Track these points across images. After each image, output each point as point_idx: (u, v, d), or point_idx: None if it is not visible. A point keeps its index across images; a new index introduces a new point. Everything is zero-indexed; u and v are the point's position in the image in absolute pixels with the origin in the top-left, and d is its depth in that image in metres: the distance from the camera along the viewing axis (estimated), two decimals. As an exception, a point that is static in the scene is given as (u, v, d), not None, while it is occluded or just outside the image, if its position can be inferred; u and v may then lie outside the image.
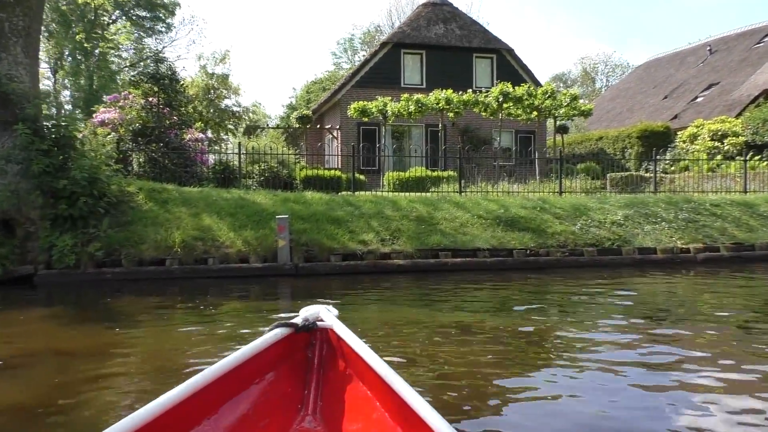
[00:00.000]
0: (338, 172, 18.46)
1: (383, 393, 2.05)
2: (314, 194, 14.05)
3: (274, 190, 14.87)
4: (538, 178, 20.40)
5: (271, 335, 2.24)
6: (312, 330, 2.40)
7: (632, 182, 19.31)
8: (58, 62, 43.19)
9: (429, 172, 21.17)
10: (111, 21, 44.06)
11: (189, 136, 17.69)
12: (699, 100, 33.32)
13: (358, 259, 11.75)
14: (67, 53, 42.45)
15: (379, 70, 27.76)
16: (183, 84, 18.50)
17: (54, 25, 37.68)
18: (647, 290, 10.10)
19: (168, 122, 17.41)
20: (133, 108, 17.13)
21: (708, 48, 37.44)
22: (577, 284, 10.34)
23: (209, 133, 27.82)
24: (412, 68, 28.31)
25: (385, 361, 2.09)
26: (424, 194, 15.30)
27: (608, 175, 20.40)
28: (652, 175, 21.14)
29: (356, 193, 15.18)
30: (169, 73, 17.55)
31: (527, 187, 17.68)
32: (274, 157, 17.32)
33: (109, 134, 15.10)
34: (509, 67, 28.89)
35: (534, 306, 8.45)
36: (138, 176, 15.60)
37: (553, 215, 13.76)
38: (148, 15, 44.23)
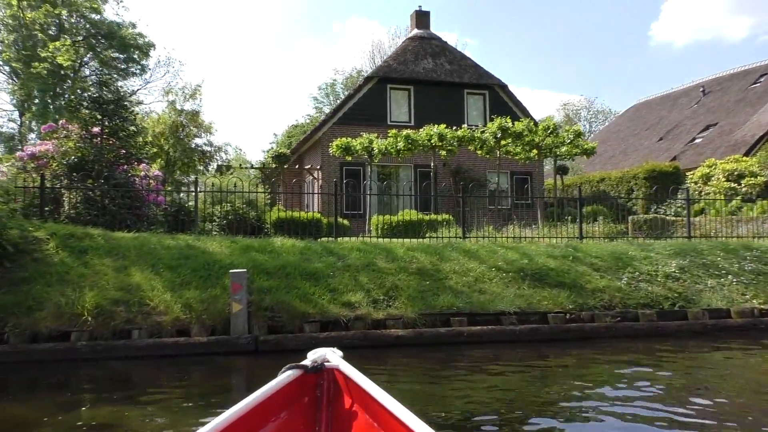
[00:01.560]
0: (318, 214, 15.12)
1: (391, 425, 2.04)
2: (285, 241, 10.67)
3: (237, 236, 11.43)
4: (540, 222, 17.24)
5: (283, 377, 2.28)
6: (320, 371, 2.41)
7: (658, 226, 16.18)
8: (25, 104, 39.81)
9: (422, 215, 17.91)
10: (82, 64, 40.98)
11: (142, 173, 14.28)
12: (698, 141, 30.83)
13: (343, 328, 8.37)
14: (34, 94, 39.07)
15: (364, 107, 24.77)
16: (132, 111, 15.17)
17: (16, 63, 34.41)
18: (756, 377, 6.80)
19: (112, 155, 14.03)
20: (70, 139, 13.74)
21: (701, 89, 35.27)
22: (653, 362, 7.01)
23: (177, 175, 24.44)
24: (399, 104, 25.38)
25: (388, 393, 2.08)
26: (422, 241, 11.95)
27: (630, 218, 17.31)
28: (676, 218, 18.13)
29: (339, 239, 11.81)
30: (115, 98, 14.24)
31: (539, 232, 14.49)
32: (241, 196, 13.95)
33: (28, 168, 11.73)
34: (503, 104, 26.12)
35: (606, 410, 5.07)
36: (70, 219, 12.13)
37: (589, 266, 10.50)
38: (121, 56, 41.21)
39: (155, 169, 15.30)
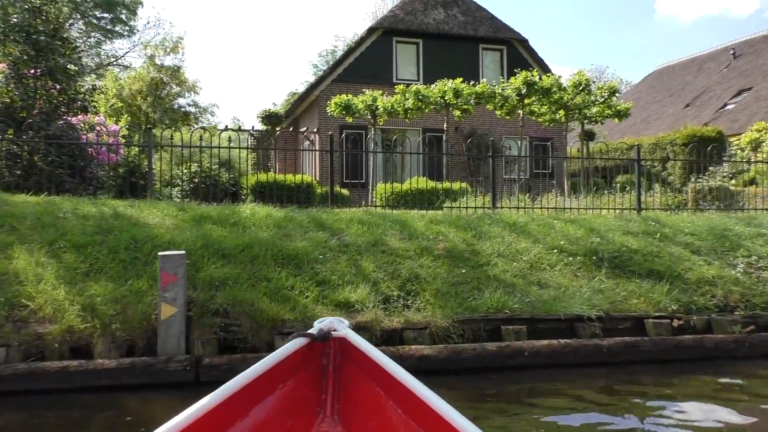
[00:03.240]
0: (308, 178, 11.82)
1: (398, 392, 2.02)
2: (258, 209, 7.38)
3: (205, 203, 8.12)
4: (566, 192, 13.94)
5: (290, 345, 2.23)
6: (327, 339, 2.35)
7: (725, 196, 12.89)
8: None
9: (434, 184, 14.59)
10: (69, 24, 37.28)
11: (96, 127, 10.94)
12: (730, 107, 27.42)
13: (336, 344, 5.07)
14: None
15: (367, 62, 21.30)
16: (75, 46, 11.74)
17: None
18: None
19: (49, 103, 10.71)
20: (-7, 79, 10.45)
21: (731, 52, 31.69)
22: None
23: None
24: (406, 60, 21.91)
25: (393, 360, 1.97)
26: (445, 212, 8.69)
27: (690, 185, 14.04)
28: (738, 188, 14.86)
29: (335, 210, 8.51)
30: (51, 27, 10.84)
31: (585, 202, 11.25)
32: (211, 155, 10.66)
33: None
34: (522, 61, 22.59)
35: None
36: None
37: (684, 246, 7.24)
38: (107, 16, 37.47)
39: (112, 124, 11.98)
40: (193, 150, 11.00)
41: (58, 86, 10.84)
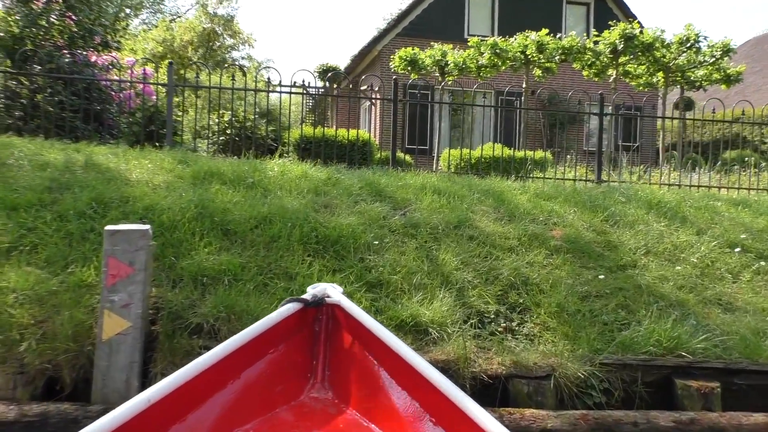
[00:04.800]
0: (366, 135, 9.50)
1: (390, 360, 2.02)
2: (291, 166, 5.11)
3: (236, 158, 5.88)
4: (661, 167, 11.05)
5: (283, 309, 2.18)
6: (320, 305, 2.30)
7: None
8: None
9: (512, 151, 11.99)
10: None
11: (97, 59, 8.90)
12: None
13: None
14: None
15: (435, 14, 18.65)
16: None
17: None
18: None
19: (66, 37, 8.74)
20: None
21: None
22: None
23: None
24: (479, 13, 19.12)
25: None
26: (538, 184, 6.21)
27: None
28: None
29: (399, 174, 6.08)
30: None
31: (713, 179, 8.52)
32: (248, 104, 8.48)
33: None
34: (612, 17, 19.32)
35: None
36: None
37: None
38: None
39: (143, 66, 9.87)
40: (228, 95, 8.86)
41: (74, 16, 8.83)
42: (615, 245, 4.30)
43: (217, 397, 1.94)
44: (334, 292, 2.37)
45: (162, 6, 36.97)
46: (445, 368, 3.08)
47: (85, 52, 8.92)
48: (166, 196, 4.02)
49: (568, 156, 10.21)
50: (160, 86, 8.38)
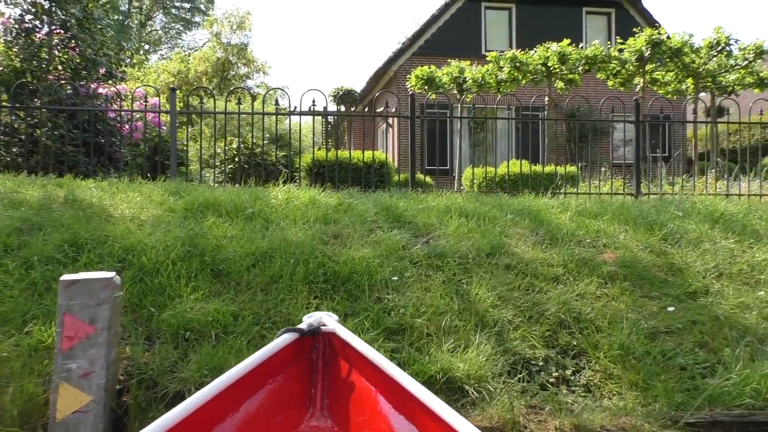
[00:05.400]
0: (383, 155, 8.94)
1: (387, 386, 2.00)
2: (299, 191, 4.51)
3: (244, 186, 5.31)
4: (694, 177, 10.24)
5: (279, 340, 2.15)
6: (316, 334, 2.27)
7: None
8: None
9: (535, 167, 11.30)
10: (148, 18, 36.32)
11: (104, 90, 8.52)
12: None
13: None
14: None
15: (451, 32, 18.17)
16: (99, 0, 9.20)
17: None
18: None
19: (69, 70, 8.41)
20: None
21: None
22: None
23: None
24: (496, 29, 18.58)
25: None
26: (576, 201, 5.56)
27: None
28: None
29: (419, 195, 5.44)
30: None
31: (754, 186, 7.79)
32: (258, 127, 8.00)
33: None
34: (634, 25, 18.64)
35: None
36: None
37: None
38: (186, 6, 36.15)
39: (154, 97, 9.45)
40: (235, 121, 8.38)
41: (77, 47, 8.49)
42: (680, 268, 3.60)
43: (217, 431, 1.90)
44: (329, 320, 2.33)
45: (180, 41, 37.46)
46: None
47: (88, 84, 8.58)
48: (150, 234, 3.46)
49: (601, 169, 9.50)
50: (163, 114, 7.95)
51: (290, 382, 2.22)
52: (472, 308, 3.12)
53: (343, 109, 17.08)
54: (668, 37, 12.89)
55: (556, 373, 2.88)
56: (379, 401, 2.07)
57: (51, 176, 5.36)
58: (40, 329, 2.71)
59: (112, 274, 2.51)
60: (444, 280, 3.32)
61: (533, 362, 2.91)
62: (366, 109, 19.56)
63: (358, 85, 23.62)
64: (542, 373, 2.87)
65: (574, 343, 3.03)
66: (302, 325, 2.26)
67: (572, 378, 2.87)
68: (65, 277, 2.45)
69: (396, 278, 3.25)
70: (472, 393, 2.59)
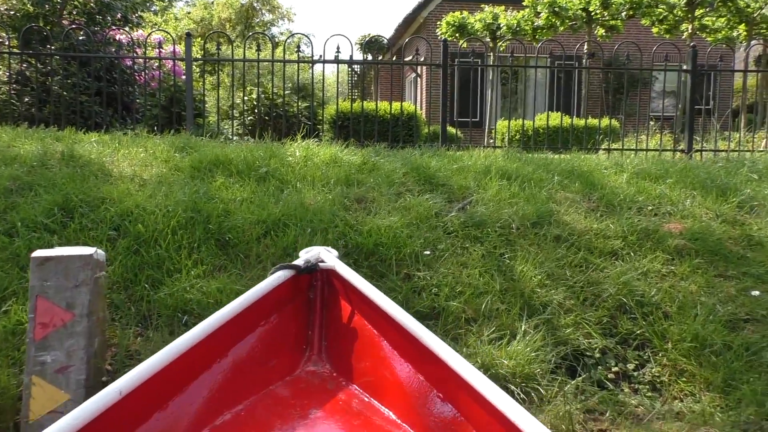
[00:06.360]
0: (411, 107, 8.39)
1: (389, 329, 1.86)
2: (319, 148, 4.03)
3: (263, 141, 4.85)
4: (752, 132, 9.39)
5: (273, 278, 1.97)
6: (314, 271, 2.10)
7: None
8: None
9: (574, 120, 10.59)
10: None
11: (121, 36, 8.04)
12: None
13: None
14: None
15: (486, -26, 17.12)
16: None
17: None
18: None
19: (82, 15, 7.94)
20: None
21: None
22: None
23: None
24: (534, -29, 17.43)
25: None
26: (615, 158, 4.98)
27: None
28: None
29: (450, 152, 4.90)
30: None
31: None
32: (279, 75, 7.50)
33: None
34: (683, -33, 17.32)
35: None
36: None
37: None
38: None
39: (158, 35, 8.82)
40: (256, 69, 7.87)
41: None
42: (759, 242, 3.07)
43: (202, 380, 1.75)
44: (328, 256, 2.16)
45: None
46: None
47: (104, 30, 8.11)
48: (150, 196, 3.05)
49: (649, 123, 8.78)
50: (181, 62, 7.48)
51: (285, 323, 2.08)
52: (517, 288, 2.66)
53: (369, 57, 16.35)
54: (718, -21, 11.89)
55: (616, 368, 2.45)
56: (382, 346, 1.94)
57: (60, 128, 4.97)
58: (19, 309, 2.35)
59: (93, 249, 2.11)
60: (483, 254, 2.86)
61: (588, 354, 2.47)
62: (394, 58, 18.74)
63: (387, 33, 22.72)
64: (599, 367, 2.43)
65: (637, 331, 2.57)
66: (298, 261, 2.09)
67: (635, 374, 2.43)
68: (37, 253, 2.07)
69: (428, 252, 2.80)
70: (520, 395, 2.17)
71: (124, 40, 8.03)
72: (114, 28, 8.25)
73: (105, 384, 2.17)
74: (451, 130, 10.62)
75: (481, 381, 1.44)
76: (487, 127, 11.70)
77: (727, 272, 2.88)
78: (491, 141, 10.09)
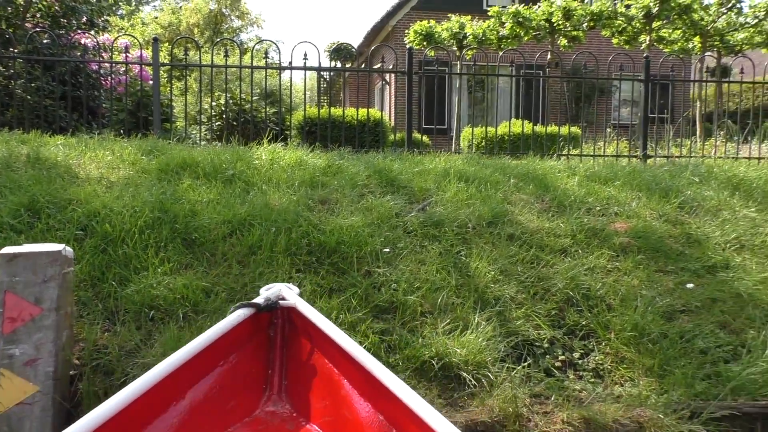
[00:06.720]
0: (378, 113, 8.55)
1: (349, 368, 1.86)
2: (285, 152, 4.14)
3: (231, 145, 4.91)
4: (702, 140, 9.83)
5: (233, 317, 1.95)
6: (274, 309, 2.09)
7: None
8: None
9: (538, 127, 10.87)
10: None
11: (87, 40, 8.02)
12: None
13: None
14: None
15: (453, -15, 17.46)
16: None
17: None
18: None
19: (47, 19, 7.89)
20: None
21: None
22: None
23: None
24: (498, -18, 17.86)
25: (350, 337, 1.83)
26: (576, 163, 5.22)
27: None
28: None
29: (416, 157, 5.07)
30: None
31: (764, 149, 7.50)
32: (247, 81, 7.58)
33: None
34: (641, -20, 17.94)
35: None
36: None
37: None
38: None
39: (124, 39, 8.78)
40: (228, 74, 7.94)
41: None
42: (697, 240, 3.29)
43: (158, 424, 1.70)
44: (289, 293, 2.13)
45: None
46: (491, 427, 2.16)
47: (69, 34, 8.07)
48: (117, 197, 3.12)
49: (607, 130, 9.11)
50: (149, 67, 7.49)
51: (244, 362, 2.04)
52: (471, 284, 2.82)
53: (338, 64, 16.47)
54: (676, -8, 12.34)
55: (563, 357, 2.61)
56: (342, 384, 1.92)
57: (19, 132, 4.97)
58: (-13, 306, 2.40)
59: (61, 246, 2.19)
60: (441, 252, 3.01)
61: (537, 344, 2.63)
62: (363, 66, 18.93)
63: (356, 41, 22.88)
64: (547, 356, 2.59)
65: (583, 322, 2.74)
66: (259, 299, 2.06)
67: (580, 362, 2.60)
68: (6, 249, 2.13)
69: (388, 250, 2.94)
70: (471, 381, 2.31)
71: (89, 44, 8.00)
72: (79, 31, 8.21)
73: (73, 377, 2.26)
74: (419, 136, 10.81)
75: (439, 421, 1.44)
76: (454, 134, 11.94)
77: (666, 267, 3.09)
78: (458, 147, 10.31)
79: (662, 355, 2.55)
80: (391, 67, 16.83)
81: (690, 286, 2.91)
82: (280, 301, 2.10)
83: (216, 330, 1.87)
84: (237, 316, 1.96)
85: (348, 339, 1.85)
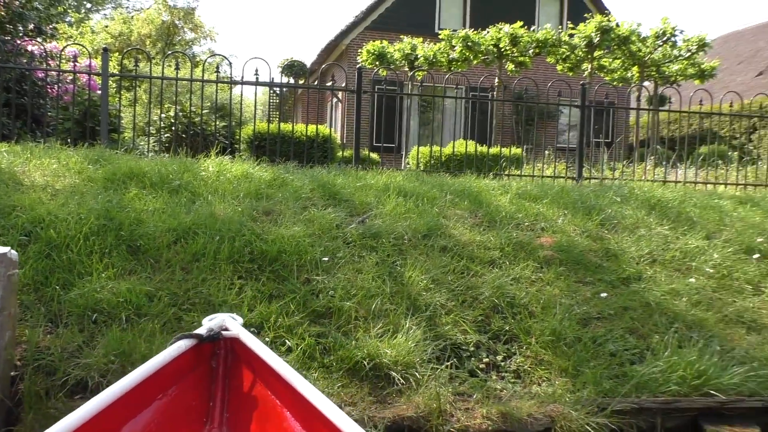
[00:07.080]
0: (326, 130, 8.74)
1: (292, 400, 1.85)
2: (231, 164, 4.27)
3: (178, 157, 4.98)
4: (634, 164, 10.50)
5: (174, 348, 1.91)
6: (216, 340, 2.05)
7: None
8: None
9: (482, 148, 11.27)
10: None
11: (33, 47, 7.92)
12: (814, 75, 23.27)
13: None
14: None
15: (405, 7, 17.95)
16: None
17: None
18: None
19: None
20: None
21: (814, 14, 27.26)
22: None
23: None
24: (450, 7, 18.48)
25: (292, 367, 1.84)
26: (516, 183, 5.54)
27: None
28: None
29: (359, 173, 5.26)
30: None
31: (690, 174, 8.10)
32: (198, 94, 7.67)
33: None
34: (586, 11, 18.86)
35: None
36: None
37: None
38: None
39: (73, 48, 8.67)
40: (180, 87, 7.98)
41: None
42: (615, 254, 3.60)
43: None
44: (233, 323, 2.10)
45: (124, 0, 35.54)
46: (413, 427, 2.34)
47: (14, 40, 7.94)
48: (62, 205, 3.18)
49: (546, 152, 9.57)
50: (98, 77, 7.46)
51: (185, 394, 2.01)
52: (405, 291, 3.01)
53: (291, 81, 16.61)
54: (617, 25, 13.08)
55: (487, 359, 2.82)
56: (285, 416, 1.91)
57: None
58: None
59: (6, 249, 2.26)
60: (377, 262, 3.20)
61: (464, 348, 2.83)
62: (317, 83, 19.11)
63: (309, 59, 23.07)
64: (473, 358, 2.80)
65: (507, 328, 2.97)
66: (201, 330, 2.04)
67: (503, 364, 2.81)
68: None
69: (327, 259, 3.10)
70: (399, 380, 2.49)
71: (36, 52, 7.90)
72: (26, 38, 8.10)
73: (14, 377, 2.31)
74: (368, 154, 11.03)
75: None
76: (404, 153, 12.21)
77: (585, 279, 3.36)
78: (407, 165, 10.60)
79: (576, 357, 2.80)
80: (344, 85, 17.08)
81: (604, 295, 3.19)
82: (223, 332, 2.08)
83: (155, 362, 1.85)
84: (178, 347, 1.94)
85: (291, 370, 1.84)
